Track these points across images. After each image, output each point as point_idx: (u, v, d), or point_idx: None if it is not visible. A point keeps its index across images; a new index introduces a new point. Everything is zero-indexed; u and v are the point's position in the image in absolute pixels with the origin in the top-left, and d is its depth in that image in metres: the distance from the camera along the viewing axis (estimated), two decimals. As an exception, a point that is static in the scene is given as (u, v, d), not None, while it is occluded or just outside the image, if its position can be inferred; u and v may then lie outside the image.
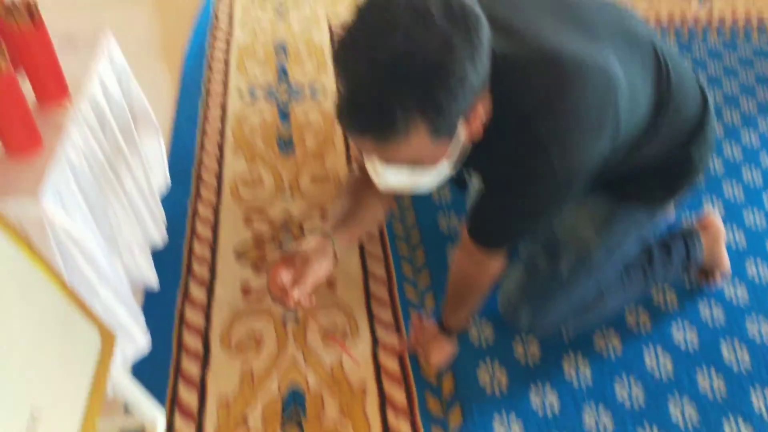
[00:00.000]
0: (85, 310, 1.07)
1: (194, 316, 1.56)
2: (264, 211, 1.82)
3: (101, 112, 1.36)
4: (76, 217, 1.19)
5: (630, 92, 0.97)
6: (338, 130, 2.11)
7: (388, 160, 0.88)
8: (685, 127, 1.17)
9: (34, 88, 1.23)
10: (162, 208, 1.72)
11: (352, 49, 0.78)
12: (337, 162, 1.99)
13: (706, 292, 1.58)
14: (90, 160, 1.28)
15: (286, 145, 2.05)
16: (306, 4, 2.73)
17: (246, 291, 1.61)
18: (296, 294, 1.02)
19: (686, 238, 1.48)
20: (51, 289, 0.97)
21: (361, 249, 1.70)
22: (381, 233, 1.74)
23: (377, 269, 1.65)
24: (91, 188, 1.27)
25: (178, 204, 1.83)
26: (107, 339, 1.14)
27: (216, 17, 2.62)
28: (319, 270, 1.06)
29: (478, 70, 0.77)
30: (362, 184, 1.18)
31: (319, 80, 2.32)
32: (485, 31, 0.78)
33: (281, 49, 2.46)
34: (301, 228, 1.77)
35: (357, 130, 0.81)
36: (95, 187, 1.29)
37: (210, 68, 2.34)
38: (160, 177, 1.78)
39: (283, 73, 2.35)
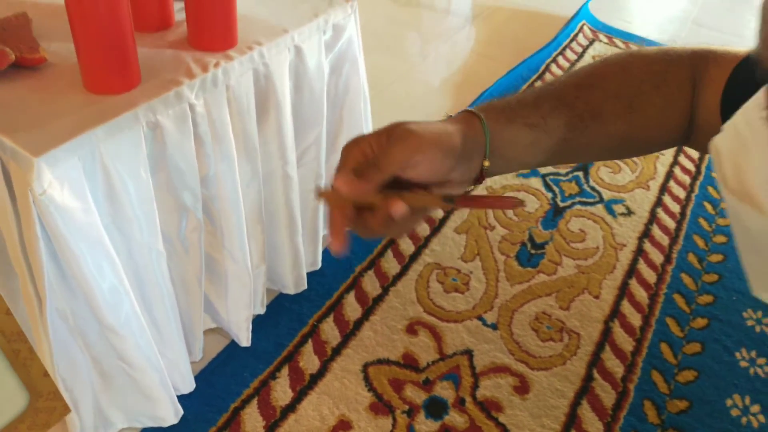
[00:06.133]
0: (19, 358, 0.65)
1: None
2: (439, 330, 1.21)
3: (271, 89, 0.92)
4: (116, 207, 0.75)
5: None
6: (618, 272, 1.37)
7: None
8: None
9: (188, 19, 0.85)
10: (320, 254, 1.24)
11: None
12: (594, 311, 1.27)
13: None
14: (205, 134, 0.84)
15: (530, 256, 1.39)
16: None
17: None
18: (339, 179, 0.46)
19: None
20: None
21: None
22: None
23: None
24: (182, 174, 0.84)
25: (355, 249, 1.33)
26: (47, 409, 0.69)
27: (562, 54, 2.09)
28: (420, 165, 0.47)
29: None
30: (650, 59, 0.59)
31: (631, 197, 1.60)
32: None
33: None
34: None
35: None
36: (190, 175, 0.85)
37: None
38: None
39: (583, 166, 1.69)
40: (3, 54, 0.72)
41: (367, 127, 1.19)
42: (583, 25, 2.41)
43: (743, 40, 2.50)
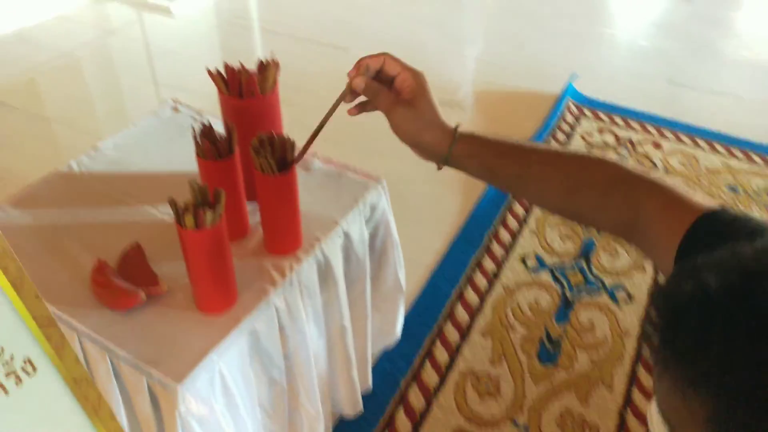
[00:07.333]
0: None
1: None
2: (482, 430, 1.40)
3: (329, 271, 1.13)
4: (229, 397, 0.96)
5: None
6: (626, 359, 1.57)
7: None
8: None
9: (264, 231, 1.07)
10: (370, 376, 1.44)
11: None
12: (609, 403, 1.46)
13: None
14: (286, 323, 1.05)
15: (549, 354, 1.60)
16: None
17: None
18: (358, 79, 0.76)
19: None
20: None
21: None
22: None
23: None
24: (271, 357, 1.04)
25: (399, 363, 1.54)
26: None
27: (553, 135, 2.30)
28: (404, 122, 0.82)
29: None
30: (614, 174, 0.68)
31: (630, 281, 1.81)
32: None
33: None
34: (515, 481, 1.30)
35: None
36: (277, 356, 1.05)
37: (503, 222, 2.03)
38: (389, 334, 1.51)
39: (585, 254, 1.90)
40: (136, 296, 0.93)
41: (400, 266, 1.40)
42: (569, 102, 2.64)
43: (716, 96, 2.73)
